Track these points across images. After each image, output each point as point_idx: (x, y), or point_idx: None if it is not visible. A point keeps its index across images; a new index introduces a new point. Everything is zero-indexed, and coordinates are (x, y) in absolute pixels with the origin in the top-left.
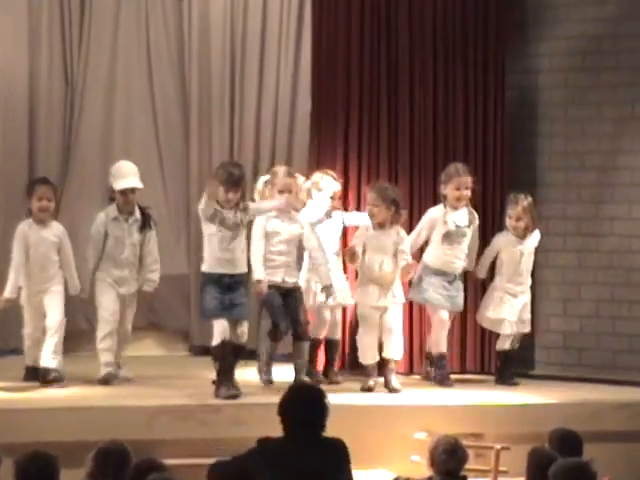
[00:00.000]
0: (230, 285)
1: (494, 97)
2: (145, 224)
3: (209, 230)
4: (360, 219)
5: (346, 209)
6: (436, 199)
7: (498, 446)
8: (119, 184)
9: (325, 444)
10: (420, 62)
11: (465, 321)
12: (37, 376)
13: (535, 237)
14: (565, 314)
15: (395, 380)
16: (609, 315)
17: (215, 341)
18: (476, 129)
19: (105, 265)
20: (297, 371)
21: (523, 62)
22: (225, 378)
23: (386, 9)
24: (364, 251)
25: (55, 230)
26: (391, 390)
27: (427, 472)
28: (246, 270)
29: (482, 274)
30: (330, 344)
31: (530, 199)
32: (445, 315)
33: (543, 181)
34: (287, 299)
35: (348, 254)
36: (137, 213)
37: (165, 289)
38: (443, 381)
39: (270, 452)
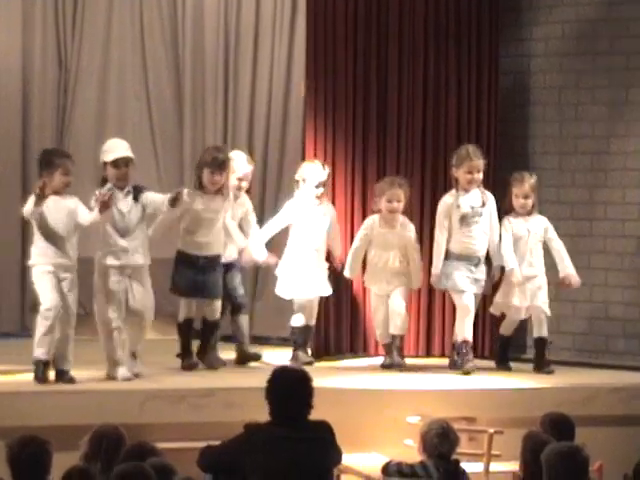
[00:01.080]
0: None
1: (488, 81)
2: (137, 195)
3: None
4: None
5: (333, 203)
6: (424, 188)
7: (491, 430)
8: (110, 156)
9: (311, 427)
10: (412, 46)
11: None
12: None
13: (540, 220)
14: (558, 299)
15: (400, 356)
16: (602, 299)
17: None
18: (469, 113)
19: (107, 238)
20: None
21: (517, 46)
22: (187, 352)
23: None
24: (370, 248)
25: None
26: (398, 365)
27: (419, 456)
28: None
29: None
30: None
31: (535, 177)
32: (469, 300)
33: (537, 165)
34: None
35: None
36: (129, 187)
37: (158, 273)
38: (463, 367)
39: (257, 437)
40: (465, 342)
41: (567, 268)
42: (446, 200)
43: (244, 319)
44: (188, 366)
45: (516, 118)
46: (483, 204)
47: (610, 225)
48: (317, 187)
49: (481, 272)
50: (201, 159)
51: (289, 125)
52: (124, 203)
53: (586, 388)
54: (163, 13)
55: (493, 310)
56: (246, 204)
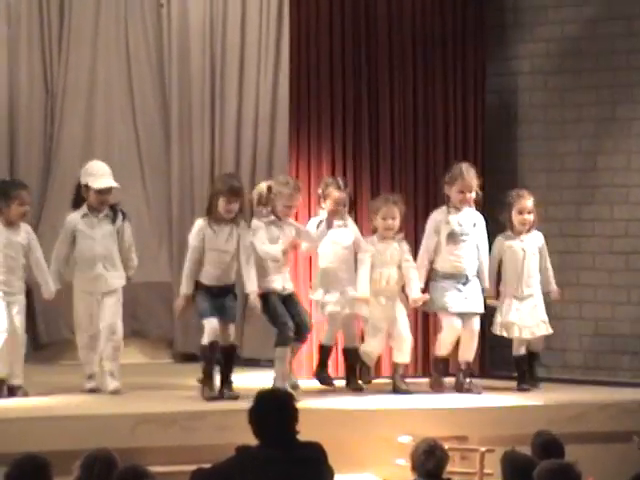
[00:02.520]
0: None
1: (474, 100)
2: (115, 217)
3: None
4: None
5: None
6: (417, 204)
7: (483, 449)
8: (97, 183)
9: (302, 448)
10: (399, 64)
11: None
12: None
13: (536, 236)
14: (548, 315)
15: (402, 382)
16: (592, 316)
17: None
18: (456, 132)
19: (80, 266)
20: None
21: (503, 65)
22: (210, 380)
23: (365, 13)
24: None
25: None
26: (399, 390)
27: (412, 476)
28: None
29: (492, 291)
30: (350, 352)
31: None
32: (456, 322)
33: (524, 183)
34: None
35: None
36: (106, 210)
37: (148, 296)
38: (435, 384)
39: (249, 459)
40: (442, 359)
41: (550, 285)
42: (436, 216)
43: None
44: (210, 398)
45: (503, 136)
46: (474, 224)
47: (598, 242)
48: (333, 206)
49: (470, 290)
50: (215, 187)
51: (276, 143)
52: (99, 229)
53: (576, 405)
54: (149, 36)
55: (495, 330)
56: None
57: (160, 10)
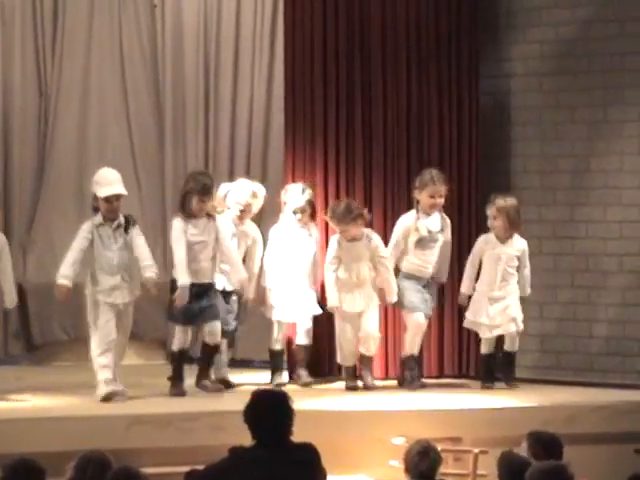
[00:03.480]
0: None
1: (468, 102)
2: (128, 226)
3: None
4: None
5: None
6: (410, 206)
7: (476, 450)
8: (103, 191)
9: (296, 449)
10: (393, 66)
11: (443, 325)
12: None
13: (517, 243)
14: (542, 317)
15: (372, 377)
16: (585, 318)
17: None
18: (450, 134)
19: (97, 276)
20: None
21: (496, 66)
22: (178, 380)
23: (359, 15)
24: (340, 262)
25: None
26: (368, 387)
27: (405, 478)
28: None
29: (467, 289)
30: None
31: (510, 201)
32: (422, 318)
33: (518, 185)
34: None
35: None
36: (120, 218)
37: (142, 298)
38: (412, 383)
39: (243, 460)
40: (412, 357)
41: (526, 291)
42: (406, 220)
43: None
44: (177, 393)
45: (497, 138)
46: (442, 229)
47: (592, 243)
48: (295, 213)
49: (430, 293)
50: (187, 186)
51: (270, 147)
52: (113, 240)
53: (570, 406)
54: (143, 37)
55: (466, 325)
56: (252, 233)
57: (154, 11)
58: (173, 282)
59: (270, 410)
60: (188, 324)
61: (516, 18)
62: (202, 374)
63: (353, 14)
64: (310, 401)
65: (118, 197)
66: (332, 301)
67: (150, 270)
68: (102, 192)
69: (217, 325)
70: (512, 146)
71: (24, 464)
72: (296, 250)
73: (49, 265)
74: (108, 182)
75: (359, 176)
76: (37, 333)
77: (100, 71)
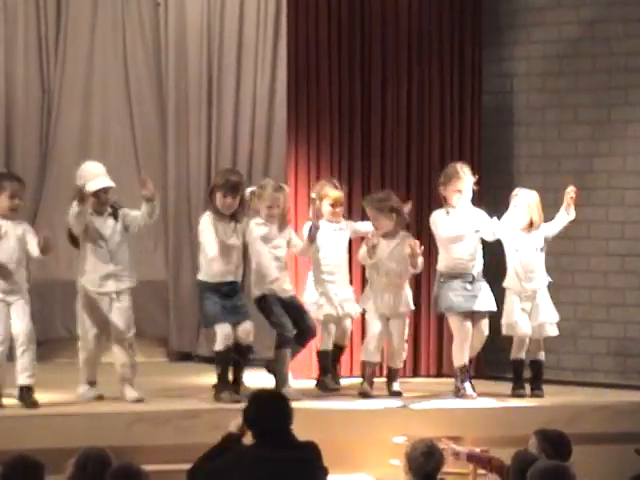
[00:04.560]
0: None
1: (471, 102)
2: (116, 213)
3: None
4: (367, 227)
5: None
6: (415, 200)
7: (477, 449)
8: (91, 185)
9: (297, 447)
10: (395, 66)
11: (442, 325)
12: None
13: (541, 233)
14: None
15: (397, 384)
16: (587, 318)
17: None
18: (452, 134)
19: (90, 264)
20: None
21: (499, 66)
22: (226, 383)
23: (361, 14)
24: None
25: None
26: (393, 394)
27: (405, 477)
28: None
29: None
30: (335, 349)
31: (536, 195)
32: (464, 322)
33: (521, 185)
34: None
35: (368, 246)
36: (109, 210)
37: (143, 295)
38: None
39: (245, 459)
40: (465, 366)
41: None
42: (436, 216)
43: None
44: (232, 401)
45: (499, 138)
46: (471, 221)
47: (594, 244)
48: (332, 206)
49: (478, 289)
50: (214, 182)
51: (273, 144)
52: (105, 227)
53: (571, 407)
54: (146, 36)
55: (505, 332)
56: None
57: (157, 9)
58: (201, 283)
59: (268, 411)
60: (224, 321)
61: (519, 18)
62: (236, 378)
63: (355, 13)
64: (311, 400)
65: (106, 190)
66: None
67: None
68: (90, 186)
69: (247, 325)
70: (515, 146)
71: (23, 461)
72: (331, 248)
73: (51, 262)
74: (94, 176)
75: (359, 175)
76: (39, 330)
77: (103, 68)
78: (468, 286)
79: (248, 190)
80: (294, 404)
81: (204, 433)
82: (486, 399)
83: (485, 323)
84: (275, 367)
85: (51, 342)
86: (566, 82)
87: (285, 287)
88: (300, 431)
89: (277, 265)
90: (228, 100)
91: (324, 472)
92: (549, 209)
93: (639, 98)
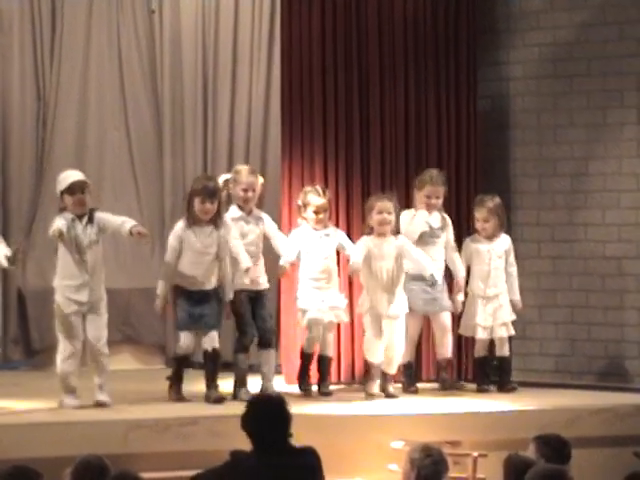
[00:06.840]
0: None
1: (466, 105)
2: (92, 218)
3: None
4: (351, 252)
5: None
6: (409, 205)
7: (475, 453)
8: (64, 183)
9: (296, 453)
10: (391, 70)
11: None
12: None
13: (504, 240)
14: (541, 321)
15: (392, 387)
16: (584, 321)
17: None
18: (449, 137)
19: (65, 272)
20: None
21: (495, 70)
22: (177, 382)
23: (356, 19)
24: (368, 261)
25: None
26: (389, 396)
27: None
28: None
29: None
30: (323, 360)
31: (497, 200)
32: (414, 321)
33: (517, 188)
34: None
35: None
36: (86, 217)
37: (140, 302)
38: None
39: (244, 465)
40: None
41: (514, 295)
42: (404, 218)
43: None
44: (177, 399)
45: (495, 141)
46: (442, 227)
47: (591, 246)
48: (315, 213)
49: (439, 291)
50: (191, 188)
51: (269, 151)
52: (85, 235)
53: (569, 410)
54: (141, 43)
55: (461, 331)
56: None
57: (152, 16)
58: (176, 288)
59: (267, 417)
60: (188, 329)
61: (514, 22)
62: (209, 383)
63: (350, 17)
64: (309, 405)
65: (83, 188)
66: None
67: (129, 222)
68: (64, 184)
69: (213, 334)
70: (510, 149)
71: (21, 471)
72: (318, 254)
73: (48, 270)
74: (68, 176)
75: (357, 181)
76: (36, 338)
77: (98, 76)
78: (429, 289)
79: (222, 177)
80: (292, 409)
81: (203, 440)
82: (484, 402)
83: (445, 316)
84: (234, 370)
85: (49, 350)
86: (561, 85)
87: (260, 280)
88: (297, 436)
89: (251, 258)
90: (224, 106)
91: (323, 478)
92: (545, 212)
93: (634, 100)
